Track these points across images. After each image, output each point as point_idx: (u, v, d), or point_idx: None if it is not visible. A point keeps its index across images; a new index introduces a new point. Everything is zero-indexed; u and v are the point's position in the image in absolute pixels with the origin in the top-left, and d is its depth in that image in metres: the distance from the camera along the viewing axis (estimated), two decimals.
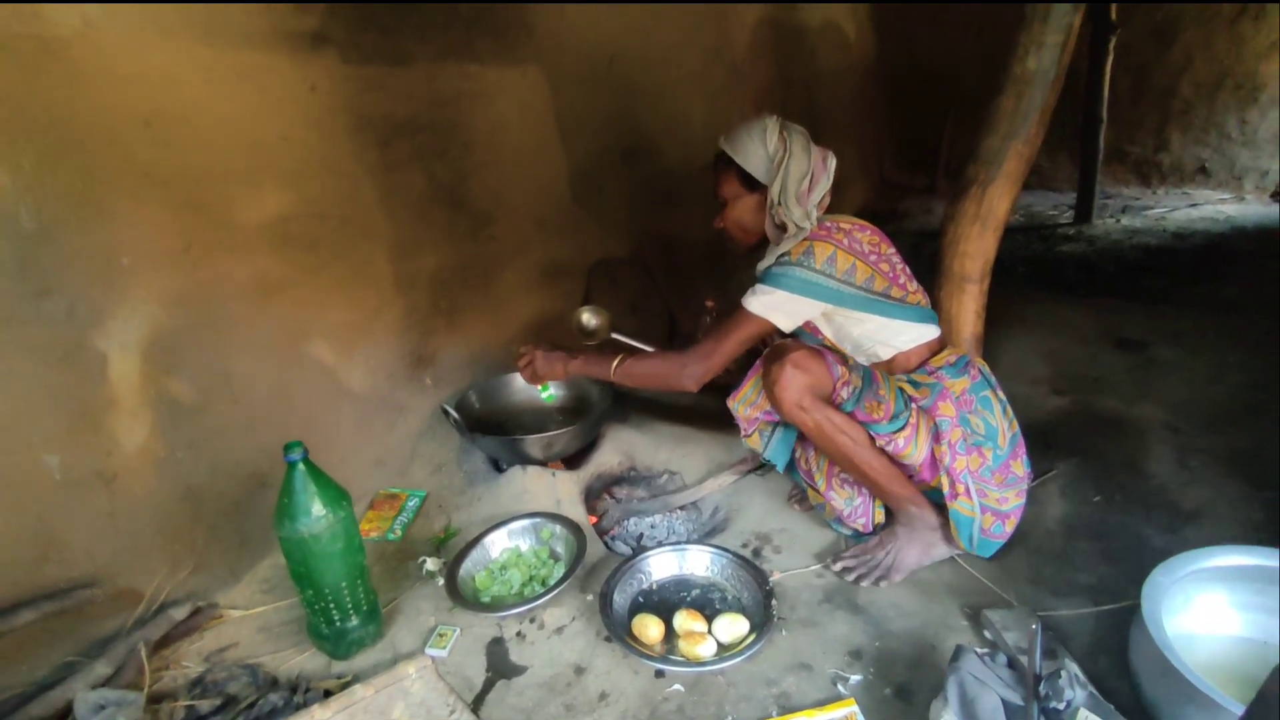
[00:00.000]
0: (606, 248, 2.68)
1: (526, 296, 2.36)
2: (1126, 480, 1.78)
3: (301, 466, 1.27)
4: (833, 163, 1.54)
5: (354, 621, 1.38)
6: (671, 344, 2.71)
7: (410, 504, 1.83)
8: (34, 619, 1.26)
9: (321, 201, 1.78)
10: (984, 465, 1.47)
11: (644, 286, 2.77)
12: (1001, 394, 1.58)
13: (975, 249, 1.77)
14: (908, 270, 1.59)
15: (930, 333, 1.58)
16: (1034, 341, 2.57)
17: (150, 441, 1.47)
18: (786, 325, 1.51)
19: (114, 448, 1.41)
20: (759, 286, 1.50)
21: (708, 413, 2.18)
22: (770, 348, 1.54)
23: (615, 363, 1.61)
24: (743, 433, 1.73)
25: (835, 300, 1.48)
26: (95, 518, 1.39)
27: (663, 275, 2.85)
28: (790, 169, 1.48)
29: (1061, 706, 1.06)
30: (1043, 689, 1.08)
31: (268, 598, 1.57)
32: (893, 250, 1.58)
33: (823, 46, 4.46)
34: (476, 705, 1.28)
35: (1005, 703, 1.08)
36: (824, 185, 1.52)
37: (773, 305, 1.48)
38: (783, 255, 1.49)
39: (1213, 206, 4.54)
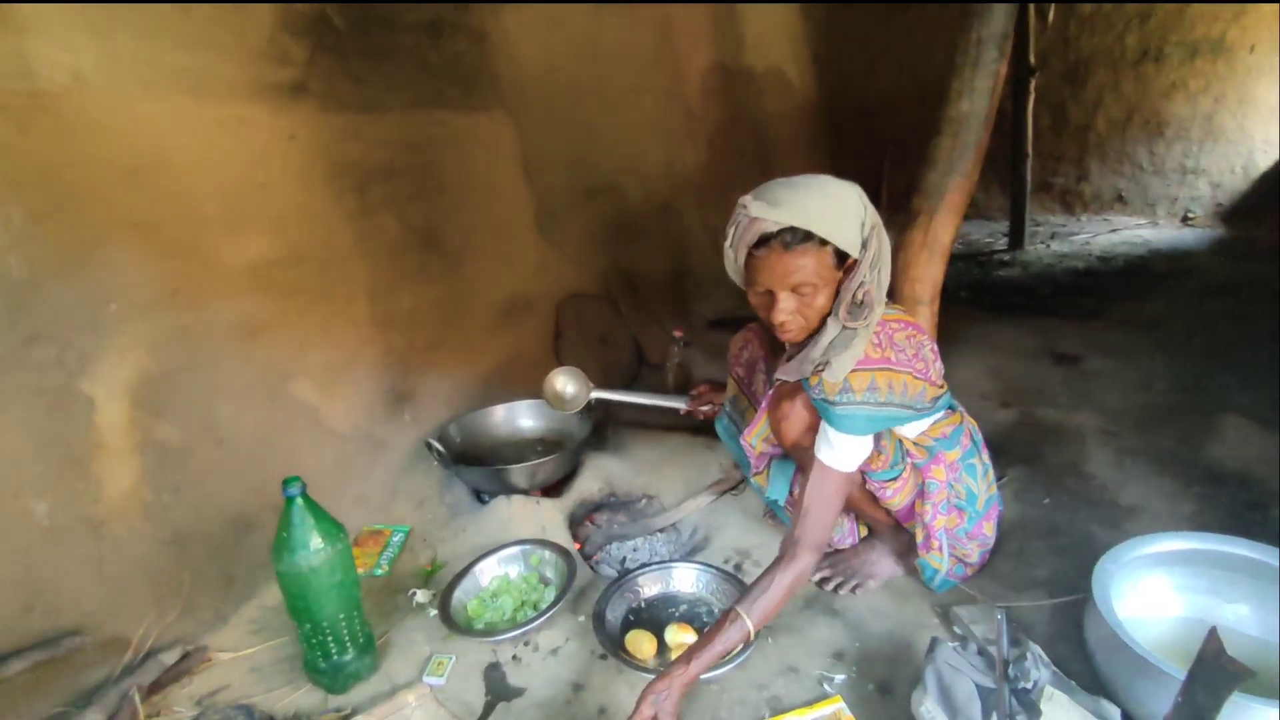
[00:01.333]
0: (573, 283, 2.77)
1: (499, 332, 2.42)
2: (1071, 482, 1.93)
3: (300, 501, 1.29)
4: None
5: (350, 654, 1.39)
6: (640, 377, 2.79)
7: (395, 539, 1.84)
8: (23, 669, 1.25)
9: (302, 246, 1.83)
10: (960, 526, 1.50)
11: (611, 320, 2.86)
12: (986, 457, 1.55)
13: (924, 274, 1.93)
14: (936, 349, 1.43)
15: (939, 415, 1.48)
16: (980, 359, 2.75)
17: (137, 486, 1.47)
18: (854, 468, 1.36)
19: (101, 493, 1.41)
20: (826, 433, 1.33)
21: (681, 438, 2.27)
22: (782, 385, 1.47)
23: (750, 622, 1.25)
24: (752, 470, 1.66)
25: (891, 423, 1.37)
26: (82, 565, 1.38)
27: (628, 308, 2.94)
28: (883, 238, 1.29)
29: (1029, 686, 1.15)
30: (1011, 672, 1.17)
31: (256, 639, 1.56)
32: (925, 337, 1.40)
33: (769, 89, 4.71)
34: None
35: (979, 687, 1.17)
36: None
37: (846, 453, 1.33)
38: (845, 393, 1.28)
39: (1131, 231, 4.91)
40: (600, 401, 1.96)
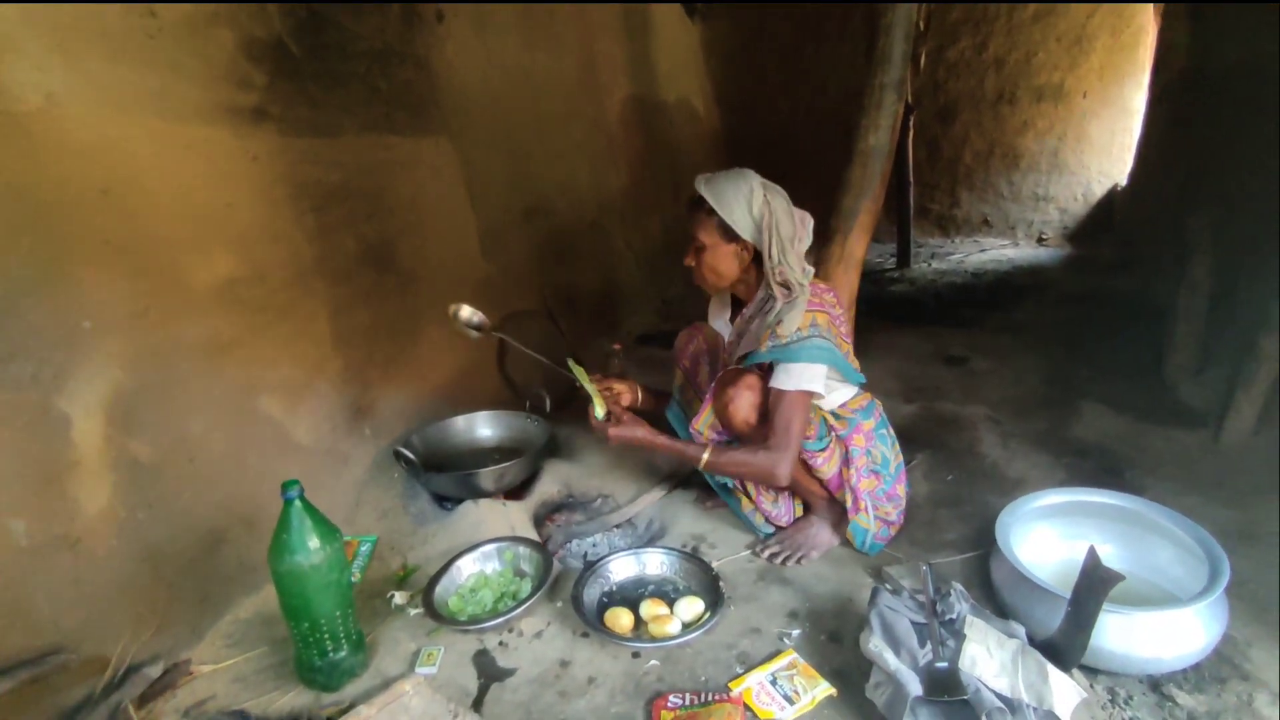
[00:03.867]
0: (515, 300, 2.88)
1: (449, 348, 2.49)
2: (968, 462, 2.24)
3: (298, 503, 1.36)
4: (810, 223, 1.71)
5: (344, 651, 1.45)
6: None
7: (363, 549, 1.89)
8: (12, 687, 1.23)
9: (265, 264, 1.86)
10: (878, 487, 1.76)
11: (551, 335, 2.99)
12: (891, 431, 1.84)
13: (841, 282, 2.21)
14: (844, 316, 1.76)
15: (856, 389, 1.79)
16: (884, 363, 3.09)
17: (112, 503, 1.47)
18: (821, 389, 1.62)
19: (77, 511, 1.41)
20: (786, 367, 1.59)
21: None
22: (724, 372, 1.72)
23: (706, 454, 1.65)
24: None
25: (835, 363, 1.63)
26: (60, 583, 1.37)
27: (566, 324, 3.09)
28: (780, 229, 1.61)
29: (953, 617, 1.38)
30: (939, 607, 1.41)
31: (233, 652, 1.58)
32: (833, 295, 1.74)
33: (678, 119, 5.02)
34: (476, 707, 1.40)
35: (913, 623, 1.40)
36: (805, 243, 1.69)
37: (808, 378, 1.59)
38: (797, 331, 1.60)
39: (997, 251, 5.57)
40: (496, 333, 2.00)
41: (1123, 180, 5.21)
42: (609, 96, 3.91)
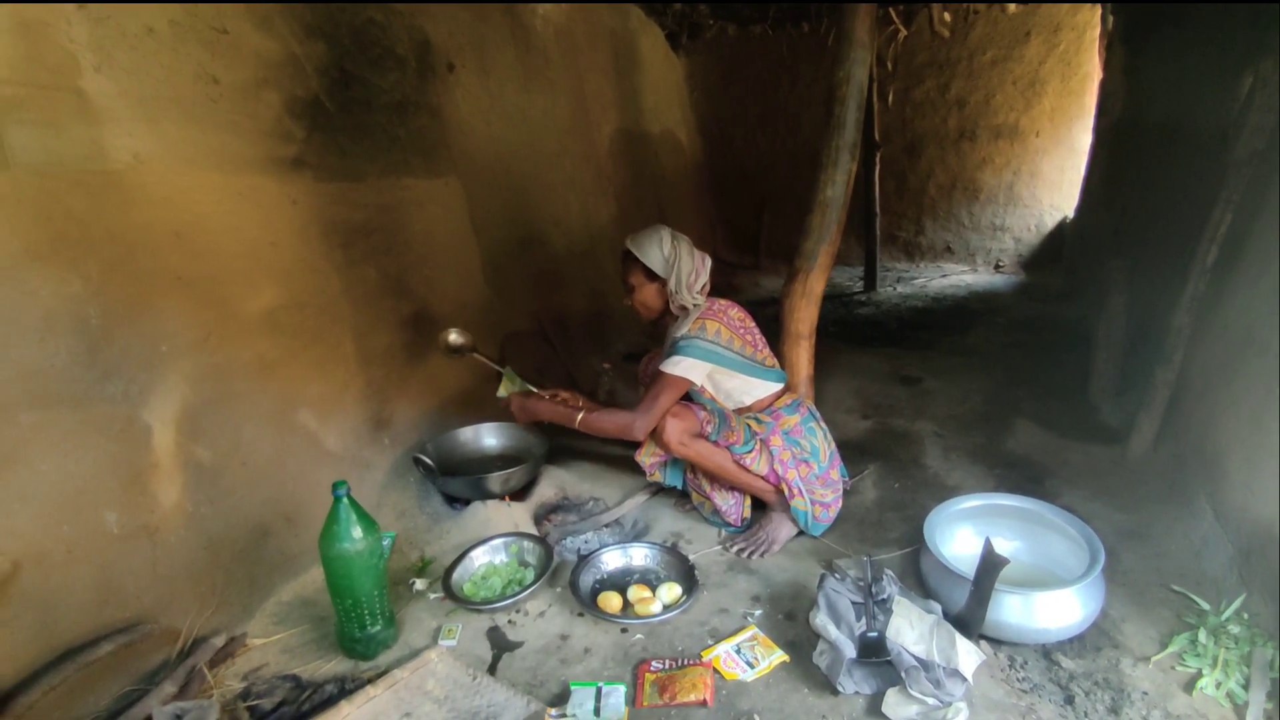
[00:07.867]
0: (514, 323, 3.17)
1: (456, 368, 2.77)
2: (914, 471, 2.57)
3: (346, 500, 1.63)
4: (709, 262, 2.15)
5: (380, 625, 1.72)
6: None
7: (385, 543, 2.15)
8: (112, 649, 1.49)
9: (302, 294, 2.14)
10: (811, 473, 2.11)
11: (546, 355, 3.28)
12: (823, 425, 2.24)
13: (804, 316, 2.53)
14: (763, 339, 2.22)
15: (777, 386, 2.20)
16: (845, 382, 3.42)
17: (181, 499, 1.74)
18: (698, 380, 2.05)
19: (156, 505, 1.67)
20: (673, 357, 2.03)
21: (617, 453, 2.72)
22: None
23: (580, 415, 2.08)
24: (648, 474, 2.27)
25: (718, 361, 2.06)
26: (142, 565, 1.63)
27: (560, 345, 3.38)
28: (682, 267, 2.08)
29: (885, 597, 1.69)
30: (874, 589, 1.72)
31: (280, 628, 1.84)
32: (754, 324, 2.20)
33: (663, 151, 5.36)
34: (491, 672, 1.68)
35: (853, 602, 1.71)
36: (704, 277, 2.13)
37: (685, 368, 2.02)
38: (686, 332, 2.05)
39: (957, 276, 5.96)
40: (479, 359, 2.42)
41: (1071, 213, 5.63)
42: (598, 131, 4.22)
